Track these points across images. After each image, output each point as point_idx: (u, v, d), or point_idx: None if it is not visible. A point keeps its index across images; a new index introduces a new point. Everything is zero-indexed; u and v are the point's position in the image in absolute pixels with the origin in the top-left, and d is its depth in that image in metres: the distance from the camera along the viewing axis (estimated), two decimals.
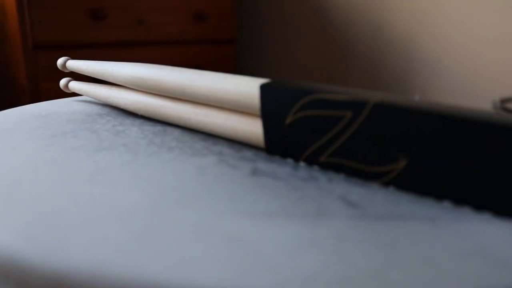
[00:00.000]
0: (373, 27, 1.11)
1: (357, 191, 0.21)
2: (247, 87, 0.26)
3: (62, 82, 0.40)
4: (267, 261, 0.15)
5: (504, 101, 0.71)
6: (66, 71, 0.40)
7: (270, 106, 0.24)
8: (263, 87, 0.24)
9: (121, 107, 0.35)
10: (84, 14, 0.98)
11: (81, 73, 0.38)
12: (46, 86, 0.91)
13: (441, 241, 0.17)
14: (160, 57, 1.09)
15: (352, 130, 0.22)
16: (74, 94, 0.42)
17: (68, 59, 0.40)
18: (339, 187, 0.21)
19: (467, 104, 0.96)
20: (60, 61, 0.40)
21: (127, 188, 0.21)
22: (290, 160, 0.25)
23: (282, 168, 0.24)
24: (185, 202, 0.20)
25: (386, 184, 0.22)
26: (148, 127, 0.32)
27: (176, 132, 0.31)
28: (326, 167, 0.23)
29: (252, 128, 0.26)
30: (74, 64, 0.39)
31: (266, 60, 1.37)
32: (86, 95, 0.39)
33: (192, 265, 0.15)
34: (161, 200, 0.20)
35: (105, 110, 0.37)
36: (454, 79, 0.99)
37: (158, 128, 0.32)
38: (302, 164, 0.24)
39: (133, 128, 0.32)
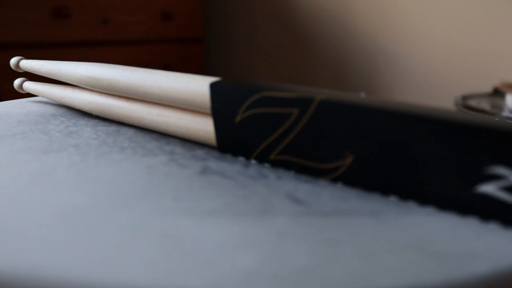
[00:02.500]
0: (339, 27, 1.12)
1: (304, 188, 0.21)
2: (198, 86, 0.26)
3: (16, 82, 0.39)
4: (204, 259, 0.15)
5: (465, 98, 0.72)
6: (20, 71, 0.39)
7: (220, 105, 0.24)
8: (212, 86, 0.24)
9: (76, 107, 0.35)
10: (47, 12, 0.96)
11: (35, 73, 0.37)
12: (7, 87, 0.88)
13: (382, 236, 0.17)
14: (126, 56, 1.07)
15: (299, 127, 0.22)
16: (30, 95, 0.41)
17: (21, 59, 0.39)
18: (287, 185, 0.21)
19: (431, 101, 0.97)
20: (13, 60, 0.39)
21: (71, 190, 0.21)
22: (242, 159, 0.25)
23: (232, 167, 0.24)
24: (129, 203, 0.19)
25: (334, 180, 0.22)
26: (102, 128, 0.31)
27: (130, 132, 0.30)
28: (276, 164, 0.23)
29: (204, 127, 0.26)
30: (28, 64, 0.38)
31: (234, 59, 1.37)
32: (41, 96, 0.38)
33: (128, 265, 0.15)
34: (104, 201, 0.20)
35: (60, 111, 0.36)
36: (418, 77, 1.00)
37: (112, 128, 0.31)
38: (253, 162, 0.24)
39: (87, 128, 0.31)
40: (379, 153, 0.20)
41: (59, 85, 0.37)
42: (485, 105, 0.67)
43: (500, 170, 0.18)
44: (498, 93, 0.69)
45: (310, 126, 0.21)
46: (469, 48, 0.92)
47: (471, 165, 0.19)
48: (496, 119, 0.20)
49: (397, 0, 1.02)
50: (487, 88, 0.80)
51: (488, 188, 0.18)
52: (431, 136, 0.19)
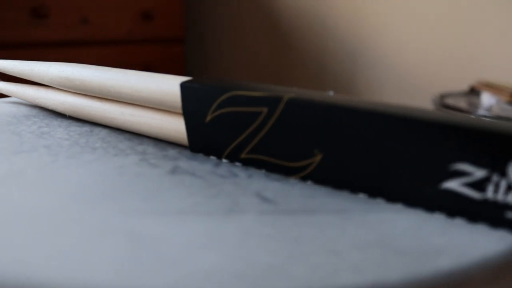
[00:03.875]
0: (320, 29, 1.13)
1: (274, 186, 0.21)
2: (169, 86, 0.25)
3: None
4: (168, 259, 0.15)
5: (443, 96, 0.73)
6: None
7: (191, 105, 0.24)
8: (183, 86, 0.24)
9: (50, 108, 0.34)
10: (25, 12, 0.95)
11: (7, 73, 0.37)
12: None
13: (347, 233, 0.17)
14: (106, 57, 1.07)
15: (269, 126, 0.22)
16: (3, 95, 0.41)
17: None
18: (257, 183, 0.21)
19: (410, 100, 0.98)
20: None
21: (39, 191, 0.20)
22: (213, 158, 0.25)
23: (203, 166, 0.24)
24: (97, 203, 0.19)
25: (304, 178, 0.22)
26: (75, 128, 0.31)
27: (103, 132, 0.30)
28: (247, 163, 0.23)
29: (176, 126, 0.26)
30: (0, 64, 0.37)
31: (215, 59, 1.36)
32: (14, 96, 0.38)
33: (91, 265, 0.15)
34: (72, 201, 0.19)
35: (33, 112, 0.36)
36: (398, 76, 1.01)
37: (85, 128, 0.31)
38: (225, 161, 0.24)
39: (59, 129, 0.31)
40: (347, 151, 0.20)
41: (32, 85, 0.36)
42: (462, 103, 0.68)
43: (465, 166, 0.18)
44: (474, 91, 0.70)
45: (279, 125, 0.21)
46: (446, 48, 0.93)
47: (436, 161, 0.19)
48: (471, 116, 0.20)
49: (376, 3, 1.03)
50: (465, 86, 0.81)
51: (453, 185, 0.19)
52: (398, 133, 0.19)
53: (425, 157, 0.19)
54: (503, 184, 0.18)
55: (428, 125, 0.19)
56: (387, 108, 0.20)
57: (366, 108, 0.20)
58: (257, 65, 1.28)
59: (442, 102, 0.71)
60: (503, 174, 0.18)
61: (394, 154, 0.19)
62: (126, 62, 1.09)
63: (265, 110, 0.22)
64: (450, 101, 0.70)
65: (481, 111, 0.63)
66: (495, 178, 0.18)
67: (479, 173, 0.18)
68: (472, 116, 0.20)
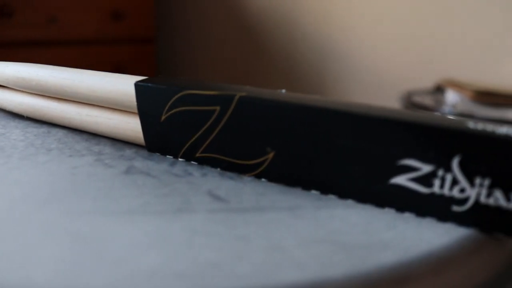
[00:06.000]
0: (289, 27, 1.13)
1: (227, 185, 0.21)
2: (124, 86, 0.25)
3: None
4: (111, 259, 0.15)
5: (411, 94, 0.74)
6: None
7: (146, 104, 0.24)
8: (137, 86, 0.24)
9: (7, 109, 0.34)
10: None
11: None
12: None
13: (295, 230, 0.17)
14: (75, 57, 1.05)
15: (222, 124, 0.22)
16: None
17: None
18: (210, 182, 0.21)
19: (379, 98, 0.99)
20: None
21: None
22: (170, 157, 0.25)
23: (159, 165, 0.23)
24: (46, 204, 0.19)
25: (258, 176, 0.22)
26: (32, 129, 0.30)
27: (61, 133, 0.29)
28: (203, 162, 0.23)
29: (133, 126, 0.26)
30: None
31: (187, 59, 1.36)
32: None
33: (30, 267, 0.14)
34: (20, 203, 0.19)
35: None
36: (366, 75, 1.02)
37: (43, 129, 0.30)
38: (182, 160, 0.24)
39: (16, 130, 0.30)
40: (299, 148, 0.20)
41: None
42: (428, 101, 0.69)
43: (412, 162, 0.19)
44: (440, 89, 0.71)
45: (231, 123, 0.21)
46: (414, 46, 0.95)
47: (385, 157, 0.19)
48: (419, 113, 0.20)
49: (343, 2, 1.04)
50: (432, 84, 0.82)
51: (401, 180, 0.19)
52: (346, 129, 0.19)
53: (374, 153, 0.19)
54: (449, 179, 0.18)
55: (376, 121, 0.19)
56: (335, 105, 0.20)
57: (314, 105, 0.20)
58: (228, 64, 1.28)
59: (409, 99, 0.72)
60: (448, 169, 0.18)
61: (343, 150, 0.20)
62: (96, 63, 1.07)
63: (217, 108, 0.22)
64: (417, 98, 0.71)
65: (446, 109, 0.64)
66: (440, 173, 0.18)
67: (425, 168, 0.19)
68: (421, 113, 0.20)
